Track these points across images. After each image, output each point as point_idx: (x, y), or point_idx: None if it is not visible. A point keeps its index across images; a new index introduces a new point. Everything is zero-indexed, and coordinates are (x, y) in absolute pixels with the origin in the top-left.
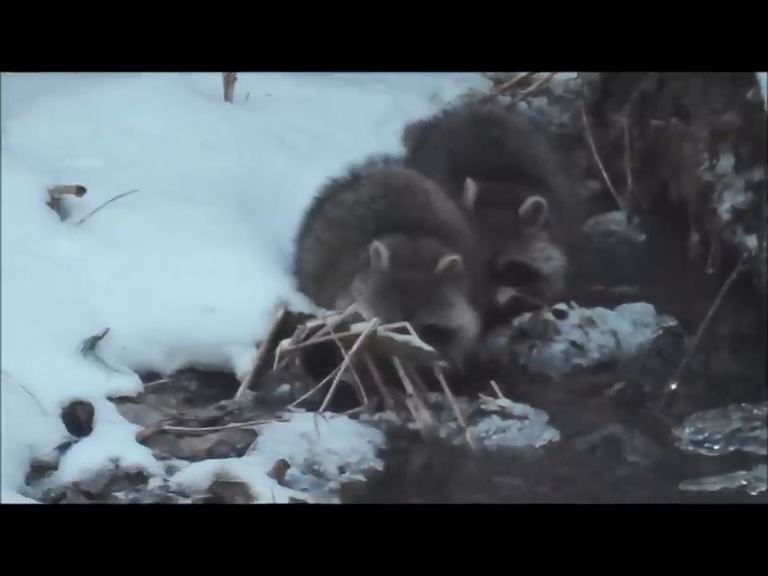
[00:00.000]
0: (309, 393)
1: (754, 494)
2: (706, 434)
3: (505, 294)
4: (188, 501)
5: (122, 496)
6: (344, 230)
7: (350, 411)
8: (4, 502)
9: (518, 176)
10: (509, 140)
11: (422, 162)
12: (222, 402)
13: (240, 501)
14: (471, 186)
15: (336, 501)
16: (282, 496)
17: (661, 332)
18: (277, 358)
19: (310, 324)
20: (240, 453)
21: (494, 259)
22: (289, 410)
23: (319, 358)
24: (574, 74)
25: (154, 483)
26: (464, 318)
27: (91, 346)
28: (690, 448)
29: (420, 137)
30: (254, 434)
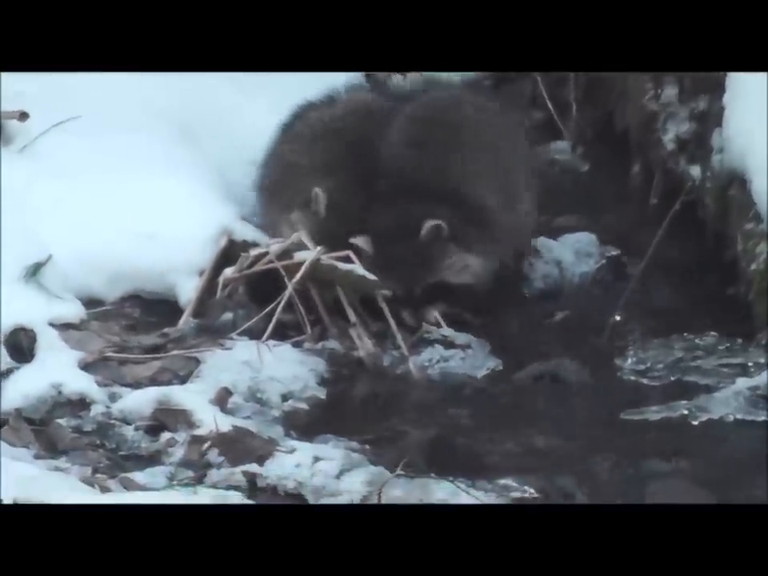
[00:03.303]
0: (252, 321)
1: (695, 423)
2: (649, 364)
3: (435, 312)
4: (130, 428)
5: (64, 422)
6: (301, 145)
7: (293, 339)
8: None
9: (398, 187)
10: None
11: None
12: (165, 330)
13: (182, 428)
14: (320, 197)
15: (279, 429)
16: (224, 423)
17: (604, 262)
18: (220, 286)
19: (254, 252)
20: (183, 380)
21: (411, 289)
22: (232, 338)
23: (262, 287)
24: None
25: (96, 410)
26: None
27: (34, 272)
28: (632, 378)
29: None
30: (197, 362)
